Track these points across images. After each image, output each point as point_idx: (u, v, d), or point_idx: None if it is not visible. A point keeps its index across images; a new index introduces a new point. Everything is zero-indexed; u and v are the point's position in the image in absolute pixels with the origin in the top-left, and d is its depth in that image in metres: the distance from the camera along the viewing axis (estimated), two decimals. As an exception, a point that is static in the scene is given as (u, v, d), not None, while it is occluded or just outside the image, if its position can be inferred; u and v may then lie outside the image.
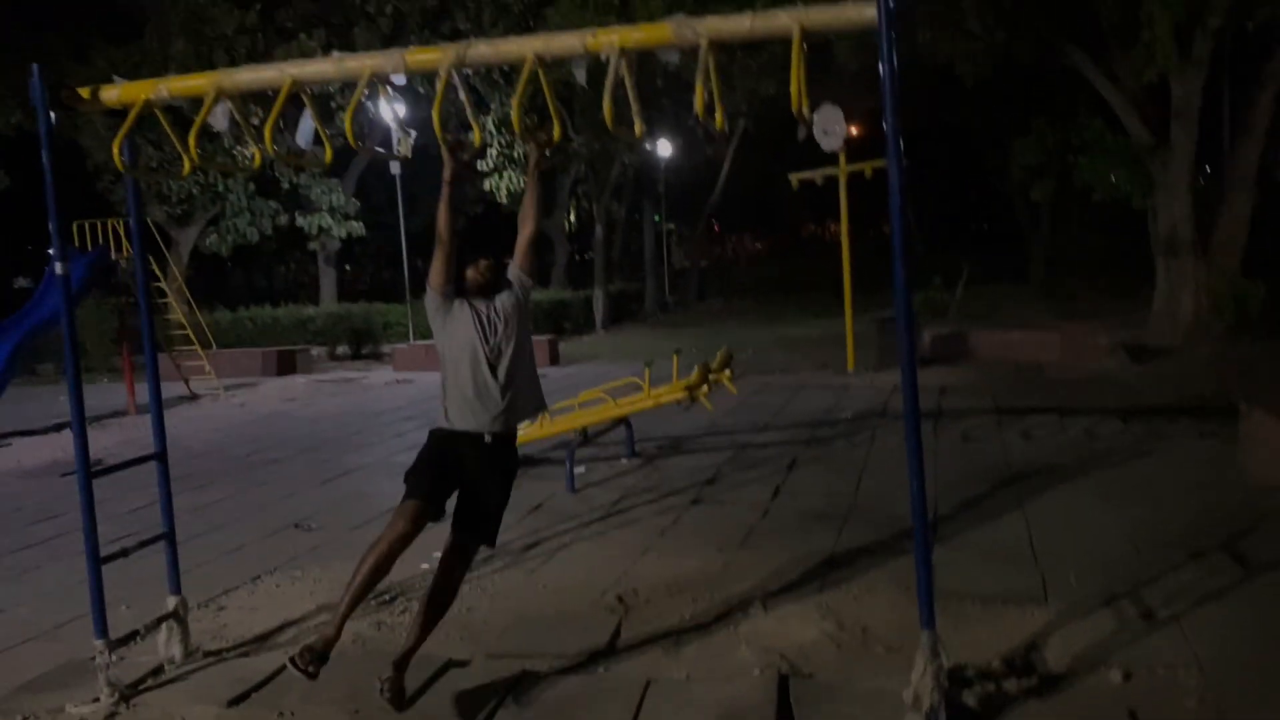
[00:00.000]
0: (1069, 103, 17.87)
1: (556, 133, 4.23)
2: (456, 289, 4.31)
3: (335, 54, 4.14)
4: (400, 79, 4.04)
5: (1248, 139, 14.95)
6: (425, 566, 6.15)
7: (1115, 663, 4.21)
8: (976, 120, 26.40)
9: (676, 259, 45.60)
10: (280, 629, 5.20)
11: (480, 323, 4.25)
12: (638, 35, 3.84)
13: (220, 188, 23.28)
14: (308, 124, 4.25)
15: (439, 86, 3.90)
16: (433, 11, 23.07)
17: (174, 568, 4.82)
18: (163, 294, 16.88)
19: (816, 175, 14.29)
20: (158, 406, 4.79)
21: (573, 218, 38.74)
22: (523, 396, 4.33)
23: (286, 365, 19.49)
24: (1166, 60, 12.41)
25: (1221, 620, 4.65)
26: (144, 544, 4.70)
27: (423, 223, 33.46)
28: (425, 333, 23.56)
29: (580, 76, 3.99)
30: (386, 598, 5.58)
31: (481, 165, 23.05)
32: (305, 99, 4.21)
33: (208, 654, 4.85)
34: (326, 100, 19.03)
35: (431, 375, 19.03)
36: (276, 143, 4.21)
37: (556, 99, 4.04)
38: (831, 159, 13.83)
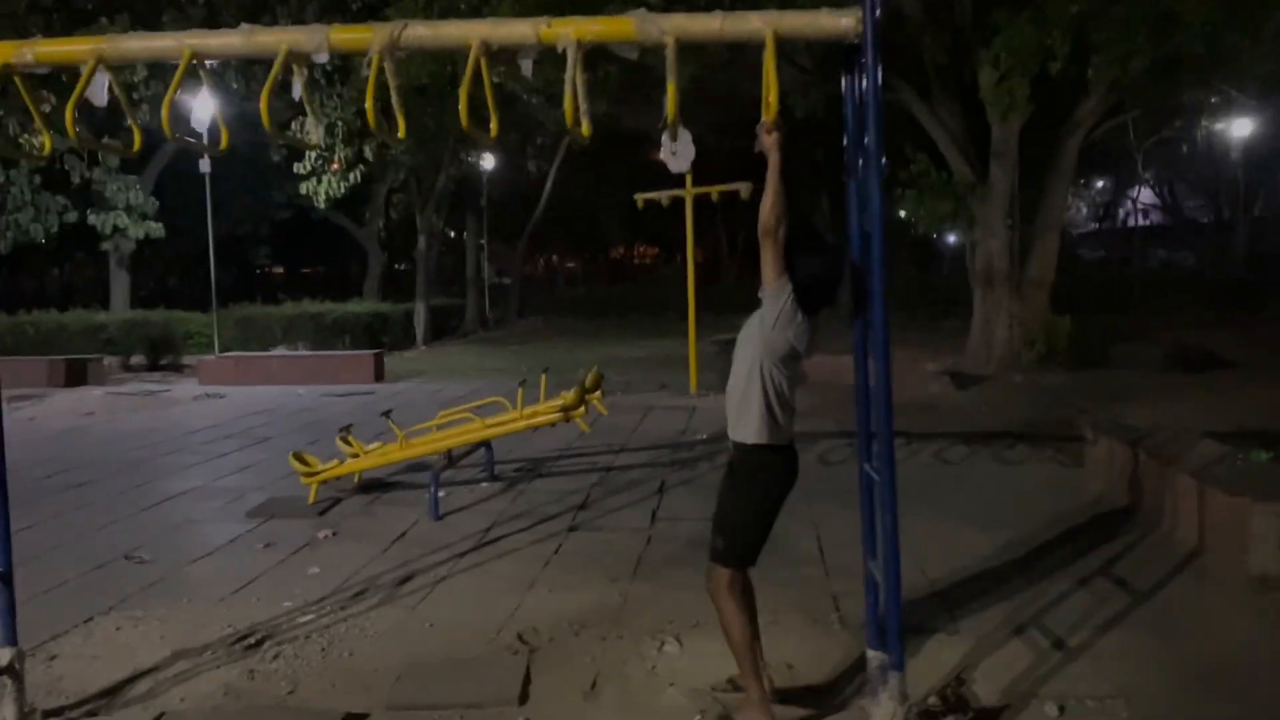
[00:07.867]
0: (896, 138, 18.56)
1: (495, 129, 3.84)
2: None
3: (245, 26, 3.63)
4: (322, 58, 3.58)
5: (1057, 180, 15.95)
6: (288, 604, 5.57)
7: (1046, 695, 4.18)
8: (801, 150, 27.18)
9: (489, 274, 44.89)
10: (131, 680, 4.51)
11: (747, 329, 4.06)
12: (596, 28, 3.53)
13: (1, 179, 21.16)
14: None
15: (371, 71, 3.47)
16: (248, 4, 21.77)
17: (10, 615, 4.09)
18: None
19: (663, 196, 14.21)
20: (-5, 424, 4.06)
21: (381, 226, 37.48)
22: (734, 412, 4.03)
23: (77, 376, 17.80)
24: (996, 105, 13.08)
25: (1127, 648, 4.71)
26: (-26, 587, 3.98)
27: (228, 227, 31.60)
28: (231, 343, 22.17)
29: (526, 69, 3.64)
30: (253, 641, 4.97)
31: (299, 168, 21.89)
32: (203, 75, 3.68)
33: (47, 714, 4.15)
34: (129, 90, 17.63)
35: (244, 389, 17.63)
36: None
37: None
38: (678, 181, 13.80)
